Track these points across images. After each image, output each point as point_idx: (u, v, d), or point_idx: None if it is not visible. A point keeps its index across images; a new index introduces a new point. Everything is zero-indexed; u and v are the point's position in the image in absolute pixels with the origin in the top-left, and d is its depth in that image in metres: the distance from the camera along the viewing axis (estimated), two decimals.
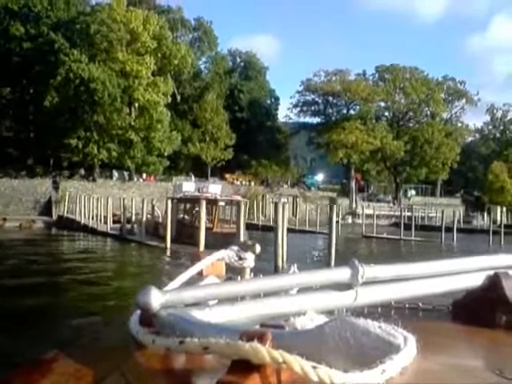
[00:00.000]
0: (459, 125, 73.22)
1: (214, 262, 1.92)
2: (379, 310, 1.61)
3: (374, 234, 37.88)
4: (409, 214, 46.73)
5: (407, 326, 1.03)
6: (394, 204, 63.88)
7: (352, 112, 66.94)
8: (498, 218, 43.22)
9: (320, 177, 70.47)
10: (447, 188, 74.21)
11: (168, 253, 23.35)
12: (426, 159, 66.39)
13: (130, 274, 18.64)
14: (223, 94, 62.30)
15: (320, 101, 68.42)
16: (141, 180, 51.57)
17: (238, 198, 28.28)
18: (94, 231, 32.00)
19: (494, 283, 1.53)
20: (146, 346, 1.10)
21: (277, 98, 72.59)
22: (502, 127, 79.86)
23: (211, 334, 0.92)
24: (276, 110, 72.16)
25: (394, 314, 1.62)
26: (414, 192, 70.49)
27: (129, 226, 29.94)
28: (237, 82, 66.20)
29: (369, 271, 1.40)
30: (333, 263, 16.68)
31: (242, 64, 69.60)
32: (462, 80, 72.43)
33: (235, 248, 2.06)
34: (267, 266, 15.43)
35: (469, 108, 73.33)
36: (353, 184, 63.18)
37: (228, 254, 2.01)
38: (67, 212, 40.28)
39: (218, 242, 18.41)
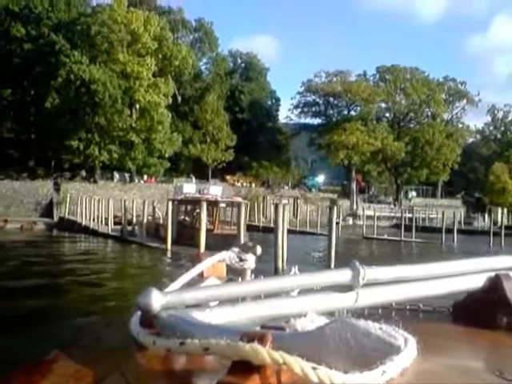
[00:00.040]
0: (460, 126, 73.21)
1: (214, 263, 1.93)
2: (380, 311, 1.61)
3: (375, 236, 37.87)
4: (409, 215, 46.68)
5: (408, 328, 1.03)
6: (394, 205, 63.85)
7: (353, 113, 67.00)
8: (499, 220, 43.18)
9: (321, 178, 70.47)
10: (448, 189, 74.17)
11: (169, 254, 23.37)
12: (426, 160, 66.35)
13: (130, 276, 18.64)
14: (224, 95, 62.32)
15: (321, 102, 68.47)
16: (142, 181, 51.61)
17: (239, 199, 28.26)
18: (95, 233, 32.01)
19: (494, 285, 1.53)
20: (146, 347, 1.10)
21: (277, 99, 72.71)
22: (503, 128, 79.77)
23: (212, 335, 0.92)
24: (277, 111, 72.22)
25: (395, 315, 1.63)
26: (414, 193, 70.43)
27: (130, 227, 29.98)
28: (237, 82, 66.24)
29: (370, 273, 1.40)
30: (333, 265, 16.68)
31: (243, 65, 69.64)
32: (463, 80, 72.56)
33: (236, 249, 2.06)
34: (268, 267, 15.42)
35: (470, 109, 73.43)
36: (353, 185, 63.17)
37: (229, 256, 2.01)
38: (68, 214, 40.29)
39: (219, 243, 18.44)
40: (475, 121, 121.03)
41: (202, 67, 66.10)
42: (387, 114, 71.47)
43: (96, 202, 35.18)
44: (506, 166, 68.82)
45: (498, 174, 67.82)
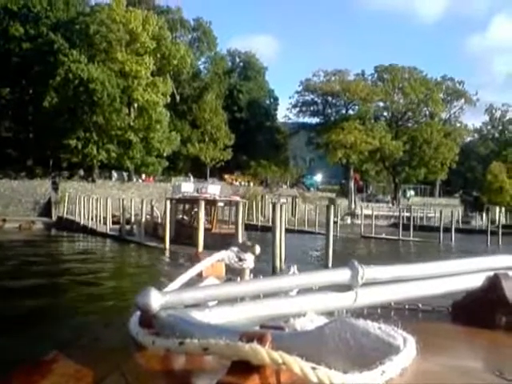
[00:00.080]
0: (458, 125, 73.16)
1: (213, 263, 1.93)
2: (379, 311, 1.61)
3: (373, 235, 37.93)
4: (407, 214, 46.71)
5: (407, 327, 1.03)
6: (392, 204, 63.90)
7: (351, 112, 66.94)
8: (497, 219, 43.25)
9: (319, 177, 70.46)
10: (446, 188, 74.20)
11: (167, 253, 23.36)
12: (424, 159, 66.35)
13: (128, 275, 18.63)
14: (222, 94, 62.28)
15: (319, 101, 68.43)
16: (140, 181, 51.56)
17: (237, 198, 28.25)
18: (93, 232, 31.98)
19: (493, 284, 1.53)
20: (145, 347, 1.10)
21: (276, 98, 72.62)
22: (500, 127, 79.86)
23: (211, 335, 0.92)
24: (275, 110, 72.12)
25: (394, 315, 1.63)
26: (412, 192, 70.47)
27: (128, 226, 29.96)
28: (236, 82, 66.18)
29: (368, 272, 1.40)
30: (330, 264, 16.71)
31: (241, 64, 69.58)
32: (461, 80, 72.49)
33: (235, 249, 2.06)
34: (267, 266, 15.44)
35: (468, 108, 73.35)
36: (352, 184, 63.18)
37: (228, 255, 2.02)
38: (67, 213, 40.28)
39: (217, 242, 18.43)
40: (473, 120, 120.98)
41: (201, 66, 66.08)
42: (385, 113, 71.45)
43: (94, 201, 35.19)
44: (504, 166, 68.88)
45: (496, 173, 67.88)
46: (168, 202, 26.48)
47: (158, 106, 48.27)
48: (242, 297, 1.34)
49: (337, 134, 60.27)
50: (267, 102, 70.34)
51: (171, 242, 24.58)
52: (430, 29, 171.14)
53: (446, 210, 44.67)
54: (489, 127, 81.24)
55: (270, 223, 19.58)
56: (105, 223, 32.06)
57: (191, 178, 50.85)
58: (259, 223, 40.76)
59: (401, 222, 39.25)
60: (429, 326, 1.55)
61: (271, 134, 66.48)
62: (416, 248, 32.01)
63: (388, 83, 67.10)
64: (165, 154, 50.58)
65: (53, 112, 44.43)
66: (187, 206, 28.24)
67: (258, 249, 2.16)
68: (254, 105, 65.16)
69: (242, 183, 57.26)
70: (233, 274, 2.12)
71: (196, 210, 24.21)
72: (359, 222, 43.68)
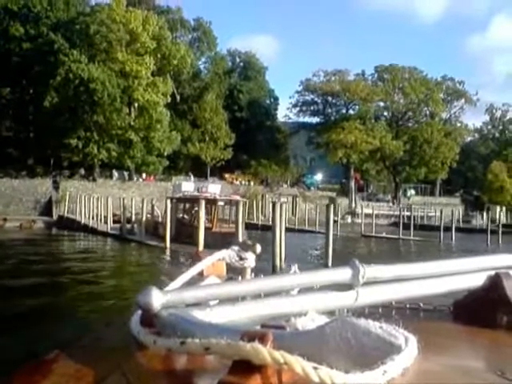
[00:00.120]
0: (458, 125, 73.19)
1: (214, 262, 1.92)
2: (380, 310, 1.61)
3: (373, 234, 37.94)
4: (408, 213, 46.69)
5: (408, 327, 1.02)
6: (393, 203, 63.91)
7: (351, 112, 66.99)
8: (497, 218, 43.25)
9: (319, 176, 70.50)
10: (446, 187, 74.21)
11: (167, 252, 23.39)
12: (425, 159, 66.38)
13: (129, 274, 18.63)
14: (222, 93, 62.30)
15: (319, 101, 68.47)
16: (140, 180, 51.60)
17: (237, 197, 28.27)
18: (94, 231, 32.02)
19: (495, 283, 1.53)
20: (147, 347, 1.10)
21: (276, 98, 72.68)
22: (501, 127, 79.91)
23: (212, 334, 0.92)
24: (275, 109, 72.16)
25: (395, 314, 1.62)
26: (413, 191, 70.48)
27: (129, 225, 29.97)
28: (236, 82, 66.21)
29: (370, 271, 1.40)
30: (330, 263, 16.72)
31: (242, 64, 69.60)
32: (461, 80, 72.54)
33: (236, 248, 2.06)
34: (267, 265, 15.45)
35: (468, 108, 73.44)
36: (352, 184, 63.18)
37: (229, 254, 2.01)
38: (67, 212, 40.28)
39: (217, 241, 18.45)
40: (473, 120, 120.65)
41: (201, 66, 66.12)
42: (385, 113, 71.47)
43: (95, 201, 35.20)
44: (504, 165, 68.94)
45: (497, 172, 67.93)
46: (168, 201, 26.52)
47: (158, 106, 48.31)
48: (243, 296, 1.34)
49: (337, 133, 60.30)
50: (267, 101, 70.38)
51: (172, 240, 24.62)
52: (429, 29, 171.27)
53: (446, 209, 44.66)
54: (489, 127, 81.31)
55: (271, 222, 19.58)
56: (105, 222, 32.09)
57: (192, 177, 50.86)
58: (259, 222, 40.76)
59: (401, 221, 39.24)
60: (430, 325, 1.54)
61: (271, 133, 66.51)
62: (416, 247, 32.01)
63: (388, 83, 67.10)
64: (165, 154, 50.66)
65: (53, 111, 44.48)
66: (188, 205, 28.27)
67: (258, 248, 2.16)
68: (255, 104, 65.19)
69: (243, 182, 57.32)
70: (234, 273, 2.11)
71: (196, 209, 24.23)
72: (359, 221, 43.68)
